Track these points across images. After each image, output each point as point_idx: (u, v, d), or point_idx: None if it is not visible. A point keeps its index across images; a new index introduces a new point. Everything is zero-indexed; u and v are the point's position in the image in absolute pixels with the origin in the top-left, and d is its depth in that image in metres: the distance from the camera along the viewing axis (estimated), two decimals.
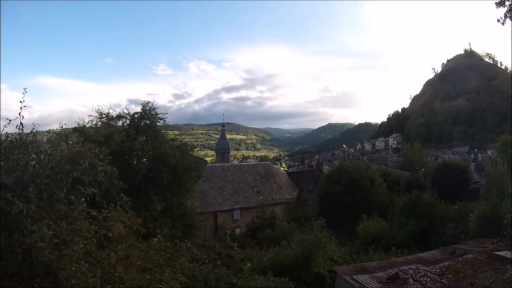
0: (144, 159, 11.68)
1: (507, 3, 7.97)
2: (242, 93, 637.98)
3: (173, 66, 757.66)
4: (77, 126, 11.38)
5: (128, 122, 12.47)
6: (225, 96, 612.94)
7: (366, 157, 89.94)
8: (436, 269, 7.65)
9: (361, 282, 7.45)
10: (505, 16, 8.05)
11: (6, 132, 4.10)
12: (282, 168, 62.28)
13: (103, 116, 12.01)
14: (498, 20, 8.11)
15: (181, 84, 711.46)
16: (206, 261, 8.96)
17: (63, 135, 10.24)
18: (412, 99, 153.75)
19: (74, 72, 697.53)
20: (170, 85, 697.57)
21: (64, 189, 3.76)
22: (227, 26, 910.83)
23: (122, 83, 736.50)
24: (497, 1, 8.07)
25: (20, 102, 4.15)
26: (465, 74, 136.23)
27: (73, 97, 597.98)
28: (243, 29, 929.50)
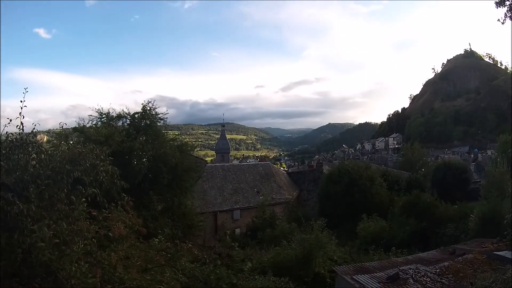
0: (144, 159, 11.67)
1: (507, 3, 8.02)
2: None
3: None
4: (77, 126, 11.39)
5: (128, 122, 12.48)
6: None
7: (366, 157, 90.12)
8: (436, 269, 7.65)
9: (361, 282, 7.44)
10: (505, 16, 8.10)
11: (7, 132, 4.10)
12: (282, 168, 62.24)
13: (103, 116, 12.03)
14: (498, 20, 8.17)
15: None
16: (207, 261, 8.95)
17: (63, 135, 10.25)
18: (412, 99, 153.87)
19: (51, 63, 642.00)
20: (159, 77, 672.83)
21: (65, 189, 3.76)
22: None
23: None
24: (497, 1, 8.11)
25: (21, 101, 4.15)
26: (465, 74, 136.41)
27: (53, 92, 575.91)
28: None
